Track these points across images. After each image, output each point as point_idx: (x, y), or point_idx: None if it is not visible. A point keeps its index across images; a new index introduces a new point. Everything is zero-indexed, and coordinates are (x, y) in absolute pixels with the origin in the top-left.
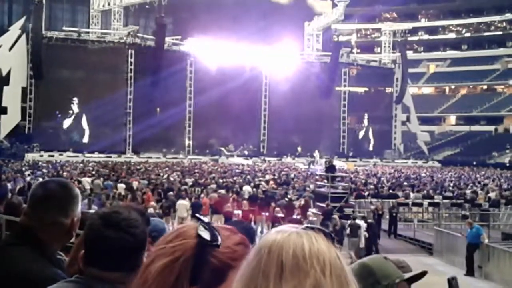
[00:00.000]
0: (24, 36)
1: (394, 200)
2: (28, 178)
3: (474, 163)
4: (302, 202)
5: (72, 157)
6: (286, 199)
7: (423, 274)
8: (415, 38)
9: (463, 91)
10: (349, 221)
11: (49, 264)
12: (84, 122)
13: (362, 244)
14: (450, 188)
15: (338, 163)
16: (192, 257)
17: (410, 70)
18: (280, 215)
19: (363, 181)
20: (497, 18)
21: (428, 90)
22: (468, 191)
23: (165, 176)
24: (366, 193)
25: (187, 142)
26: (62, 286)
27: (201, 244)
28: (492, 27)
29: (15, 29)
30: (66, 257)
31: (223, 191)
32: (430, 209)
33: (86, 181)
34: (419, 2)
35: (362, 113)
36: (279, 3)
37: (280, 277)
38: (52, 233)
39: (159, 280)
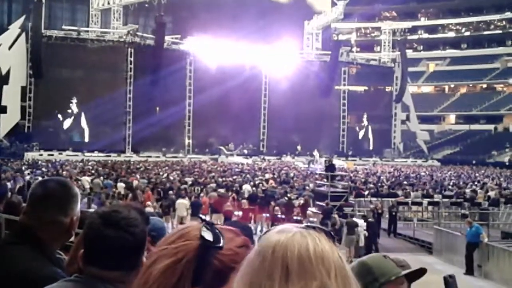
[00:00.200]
0: (23, 35)
1: (393, 199)
2: (27, 177)
3: (474, 162)
4: (302, 201)
5: (72, 156)
6: (286, 198)
7: (422, 272)
8: (415, 37)
9: (463, 90)
10: (345, 220)
11: (49, 263)
12: (83, 121)
13: (362, 243)
14: (450, 187)
15: (337, 162)
16: (194, 259)
17: (410, 69)
18: (280, 215)
19: (363, 180)
20: (496, 17)
21: (427, 89)
22: (467, 190)
23: (165, 175)
24: (365, 192)
25: (186, 141)
26: (61, 285)
27: (204, 246)
28: (492, 26)
29: (14, 28)
30: (65, 256)
31: (222, 190)
32: (430, 208)
33: (86, 180)
34: (419, 1)
35: (361, 112)
36: (279, 2)
37: (286, 279)
38: (52, 232)
39: (161, 281)
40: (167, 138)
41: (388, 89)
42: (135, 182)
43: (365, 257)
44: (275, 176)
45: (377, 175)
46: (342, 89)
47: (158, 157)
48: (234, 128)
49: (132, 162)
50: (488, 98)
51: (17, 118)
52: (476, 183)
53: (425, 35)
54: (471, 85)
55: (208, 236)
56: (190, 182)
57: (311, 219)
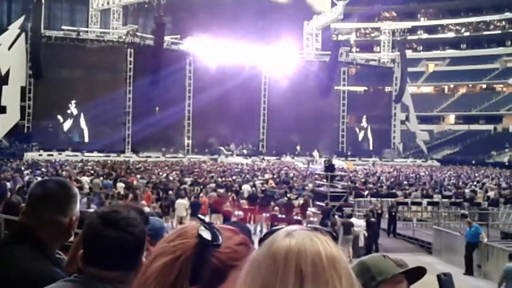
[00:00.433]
0: (23, 35)
1: (393, 199)
2: (27, 178)
3: (473, 162)
4: (301, 201)
5: (71, 156)
6: (286, 199)
7: (422, 272)
8: (414, 37)
9: (462, 90)
10: (341, 219)
11: (49, 263)
12: (82, 121)
13: (362, 243)
14: (449, 187)
15: (337, 162)
16: (192, 257)
17: (409, 69)
18: (280, 215)
19: (362, 180)
20: (496, 17)
21: (427, 89)
22: (467, 190)
23: (164, 175)
24: (365, 192)
25: (186, 141)
26: (61, 285)
27: (202, 244)
28: (491, 26)
29: (14, 28)
30: (65, 256)
31: (222, 191)
32: (429, 208)
33: (85, 180)
34: (419, 1)
35: (361, 112)
36: (278, 2)
37: (300, 284)
38: (51, 232)
39: (159, 279)
40: (166, 138)
41: (387, 89)
42: (134, 182)
43: (365, 257)
44: (275, 176)
45: (377, 175)
46: (341, 89)
47: (158, 157)
48: (233, 128)
49: (131, 162)
50: (487, 99)
51: (17, 118)
52: (475, 183)
53: (425, 35)
54: (470, 85)
55: (206, 234)
56: (189, 182)
57: (310, 219)
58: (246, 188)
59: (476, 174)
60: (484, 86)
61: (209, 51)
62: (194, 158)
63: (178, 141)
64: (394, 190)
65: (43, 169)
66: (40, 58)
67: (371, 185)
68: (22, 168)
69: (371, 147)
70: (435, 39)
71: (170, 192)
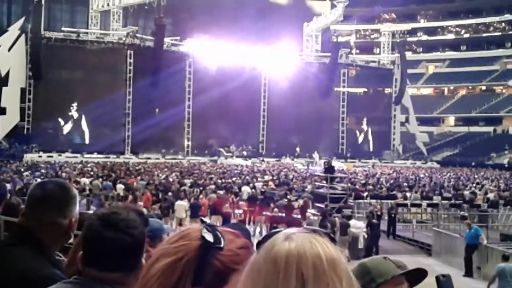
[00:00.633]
0: (23, 36)
1: (393, 201)
2: (27, 179)
3: (473, 164)
4: (301, 203)
5: (71, 157)
6: (286, 200)
7: (422, 274)
8: (414, 38)
9: (462, 92)
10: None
11: (48, 264)
12: (83, 123)
13: (361, 245)
14: (449, 189)
15: (337, 163)
16: (195, 258)
17: (409, 71)
18: (280, 214)
19: (362, 182)
20: (496, 19)
21: (427, 91)
22: (467, 192)
23: (164, 176)
24: (365, 194)
25: (186, 142)
26: (60, 287)
27: (204, 246)
28: (491, 28)
29: (14, 30)
30: (64, 257)
31: (222, 192)
32: (429, 210)
33: (85, 181)
34: (418, 3)
35: (361, 114)
36: (278, 3)
37: None
38: (50, 234)
39: (162, 280)
40: (166, 139)
41: (387, 91)
42: (134, 184)
43: (366, 259)
44: (274, 178)
45: (377, 177)
46: (341, 91)
47: (158, 158)
48: (233, 129)
49: (131, 164)
50: (487, 100)
51: (17, 119)
52: (475, 185)
53: (425, 37)
54: (470, 87)
55: (209, 237)
56: (189, 184)
57: (311, 218)
58: (246, 189)
59: (476, 176)
60: (484, 87)
61: (209, 53)
62: (194, 159)
63: (177, 142)
64: (394, 192)
65: (42, 171)
66: (40, 60)
67: (370, 187)
68: (22, 170)
69: (371, 149)
70: (435, 40)
71: (170, 193)
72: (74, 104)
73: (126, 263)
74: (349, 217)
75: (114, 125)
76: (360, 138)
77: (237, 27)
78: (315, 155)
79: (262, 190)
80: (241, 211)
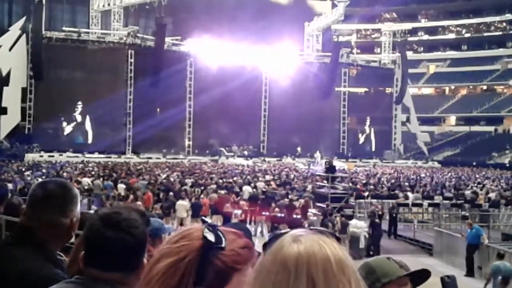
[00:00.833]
0: (24, 36)
1: (394, 201)
2: (28, 179)
3: (474, 163)
4: (302, 202)
5: (72, 157)
6: (287, 200)
7: (427, 275)
8: (415, 38)
9: (463, 92)
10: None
11: (49, 264)
12: (87, 123)
13: (362, 244)
14: (450, 188)
15: (338, 163)
16: (197, 258)
17: (410, 71)
18: (280, 216)
19: (363, 181)
20: (497, 18)
21: (428, 90)
22: (468, 192)
23: (165, 176)
24: (366, 194)
25: (187, 142)
26: (62, 287)
27: (206, 246)
28: (492, 28)
29: (15, 29)
30: (66, 257)
31: (223, 192)
32: (430, 209)
33: (86, 181)
34: (419, 2)
35: (362, 113)
36: (279, 3)
37: None
38: (52, 233)
39: (164, 279)
40: (167, 139)
41: (388, 90)
42: (135, 184)
43: (370, 259)
44: (275, 177)
45: (378, 177)
46: (342, 90)
47: (159, 158)
48: (234, 129)
49: (132, 164)
50: (488, 100)
51: (18, 119)
52: (476, 184)
53: (425, 37)
54: (471, 86)
55: (211, 237)
56: (190, 184)
57: (311, 218)
58: (247, 189)
59: (477, 176)
60: (485, 87)
61: (210, 52)
62: (195, 159)
63: (178, 142)
64: (395, 192)
65: (43, 170)
66: (41, 59)
67: (372, 187)
68: (23, 169)
69: (373, 149)
70: (436, 40)
71: (171, 193)
72: (79, 106)
73: (127, 263)
74: (351, 217)
75: (115, 125)
76: (362, 138)
77: (238, 26)
78: (317, 155)
79: (264, 189)
80: (241, 210)
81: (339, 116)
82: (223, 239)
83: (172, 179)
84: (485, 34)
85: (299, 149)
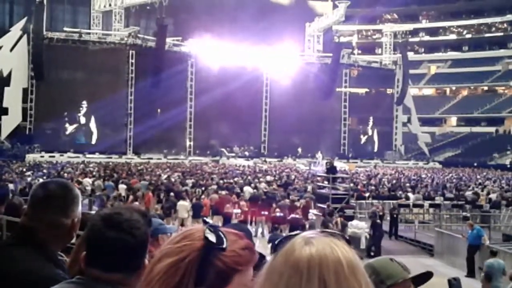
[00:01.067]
0: (25, 37)
1: (394, 201)
2: (29, 179)
3: (475, 164)
4: (303, 203)
5: (73, 158)
6: (288, 201)
7: (428, 275)
8: (416, 39)
9: (464, 92)
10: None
11: (50, 264)
12: (92, 124)
13: (363, 245)
14: (451, 189)
15: (339, 164)
16: (197, 258)
17: (411, 71)
18: (280, 214)
19: (364, 182)
20: (498, 19)
21: (429, 91)
22: (469, 193)
23: (166, 177)
24: (367, 194)
25: (188, 143)
26: (63, 287)
27: (207, 246)
28: (493, 28)
29: (16, 30)
30: (67, 258)
31: (224, 192)
32: (431, 210)
33: (87, 181)
34: (420, 3)
35: (362, 114)
36: (280, 4)
37: None
38: (53, 234)
39: (164, 279)
40: (168, 140)
41: (389, 91)
42: (136, 184)
43: (373, 260)
44: (276, 178)
45: (379, 178)
46: (343, 91)
47: (159, 159)
48: (235, 130)
49: (133, 164)
50: (489, 101)
51: (19, 120)
52: (477, 185)
53: (427, 37)
54: (472, 87)
55: (212, 237)
56: (191, 184)
57: (312, 218)
58: (248, 189)
59: (478, 176)
60: (486, 88)
61: (211, 53)
62: (196, 159)
63: (179, 142)
64: (398, 192)
65: (44, 171)
66: (42, 60)
67: (372, 187)
68: (24, 170)
69: (375, 149)
70: (437, 41)
71: (172, 194)
72: (84, 105)
73: (129, 263)
74: (351, 218)
75: (116, 126)
76: (364, 138)
77: (239, 27)
78: (318, 155)
79: (264, 190)
80: (240, 211)
81: (340, 116)
82: (224, 240)
83: (173, 180)
84: (486, 35)
85: (299, 149)
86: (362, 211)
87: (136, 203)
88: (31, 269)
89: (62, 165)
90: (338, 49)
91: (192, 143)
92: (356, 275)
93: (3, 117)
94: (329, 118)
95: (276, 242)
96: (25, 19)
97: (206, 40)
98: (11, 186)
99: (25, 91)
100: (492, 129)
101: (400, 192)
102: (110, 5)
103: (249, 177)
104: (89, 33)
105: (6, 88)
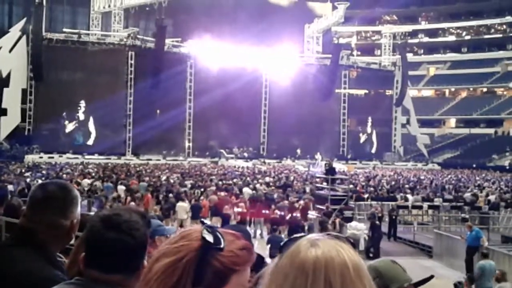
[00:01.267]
0: (24, 37)
1: (393, 203)
2: (28, 180)
3: (474, 166)
4: (302, 204)
5: (72, 159)
6: (287, 202)
7: (428, 279)
8: (415, 40)
9: (463, 94)
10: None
11: (49, 266)
12: (91, 125)
13: (362, 246)
14: (450, 190)
15: (338, 165)
16: (195, 259)
17: (410, 73)
18: (280, 213)
19: (363, 183)
20: (497, 20)
21: (428, 92)
22: (467, 194)
23: (165, 178)
24: (365, 196)
25: (187, 144)
26: None
27: (205, 246)
28: (492, 30)
29: (15, 31)
30: (66, 259)
31: (223, 193)
32: (430, 211)
33: (86, 182)
34: (419, 4)
35: (362, 115)
36: (280, 5)
37: None
38: (52, 235)
39: (162, 278)
40: (167, 141)
41: (388, 92)
42: (134, 186)
43: (374, 262)
44: (275, 179)
45: (377, 179)
46: (342, 92)
47: (159, 160)
48: (234, 131)
49: (132, 165)
50: (488, 102)
51: (18, 120)
52: (476, 187)
53: (426, 39)
54: (471, 89)
55: (209, 237)
56: (190, 185)
57: (311, 219)
58: (247, 191)
59: (477, 178)
60: (485, 89)
61: (210, 54)
62: (195, 161)
63: (178, 144)
64: (397, 194)
65: (43, 172)
66: (41, 61)
67: (371, 189)
68: (23, 171)
69: (374, 151)
70: (436, 42)
71: (171, 195)
72: (82, 105)
73: (128, 264)
74: (350, 219)
75: (115, 127)
76: (362, 138)
77: (238, 28)
78: (318, 156)
79: (263, 191)
80: (240, 211)
81: (339, 118)
82: (221, 240)
83: (172, 181)
84: (485, 36)
85: (299, 151)
86: (361, 213)
87: (133, 203)
88: (30, 270)
89: (61, 166)
90: (337, 50)
91: (191, 144)
92: (361, 279)
93: (2, 118)
94: (328, 119)
95: (281, 244)
96: (24, 20)
97: (206, 41)
98: (10, 187)
99: (24, 92)
100: (491, 131)
101: (399, 194)
102: (109, 6)
103: (248, 178)
104: (88, 34)
105: (5, 89)
